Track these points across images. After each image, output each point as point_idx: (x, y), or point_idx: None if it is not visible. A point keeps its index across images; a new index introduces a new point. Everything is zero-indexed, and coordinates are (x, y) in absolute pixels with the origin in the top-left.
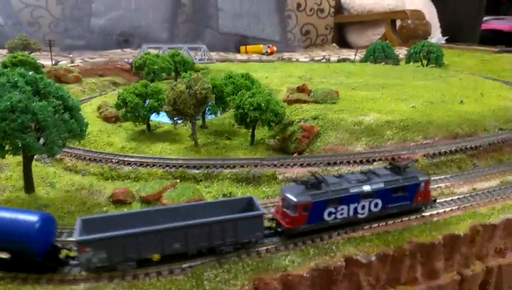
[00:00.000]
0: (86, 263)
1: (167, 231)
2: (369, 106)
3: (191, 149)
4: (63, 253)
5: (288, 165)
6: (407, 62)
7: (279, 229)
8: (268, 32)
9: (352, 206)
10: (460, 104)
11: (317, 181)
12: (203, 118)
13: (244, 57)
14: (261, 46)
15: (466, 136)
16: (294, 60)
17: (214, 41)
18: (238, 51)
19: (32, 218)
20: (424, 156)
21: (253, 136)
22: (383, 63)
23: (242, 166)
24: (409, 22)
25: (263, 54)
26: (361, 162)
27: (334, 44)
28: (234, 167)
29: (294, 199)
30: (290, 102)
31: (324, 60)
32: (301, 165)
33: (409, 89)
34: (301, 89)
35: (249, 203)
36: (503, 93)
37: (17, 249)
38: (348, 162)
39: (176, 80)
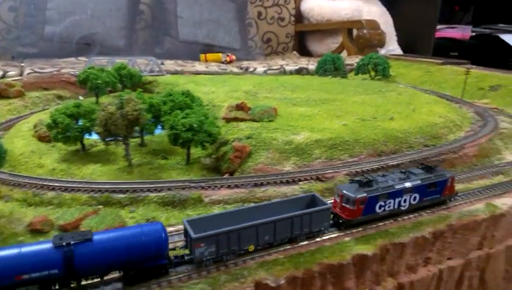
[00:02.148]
0: (199, 257)
1: (262, 225)
2: (304, 124)
3: (123, 170)
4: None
5: (216, 187)
6: (356, 74)
7: (340, 221)
8: (229, 41)
9: (397, 200)
10: (390, 121)
11: (368, 180)
12: (141, 136)
13: (203, 66)
14: (221, 54)
15: (391, 154)
16: (252, 69)
17: (174, 49)
18: (198, 59)
19: (157, 227)
20: (347, 174)
21: (188, 155)
22: (329, 76)
23: (169, 189)
24: (365, 31)
25: (222, 62)
26: (287, 182)
27: (294, 52)
28: (161, 190)
29: (353, 195)
30: (227, 120)
31: (282, 70)
32: (229, 186)
33: (347, 104)
34: (240, 107)
35: (312, 199)
36: (434, 108)
37: (147, 260)
38: (275, 183)
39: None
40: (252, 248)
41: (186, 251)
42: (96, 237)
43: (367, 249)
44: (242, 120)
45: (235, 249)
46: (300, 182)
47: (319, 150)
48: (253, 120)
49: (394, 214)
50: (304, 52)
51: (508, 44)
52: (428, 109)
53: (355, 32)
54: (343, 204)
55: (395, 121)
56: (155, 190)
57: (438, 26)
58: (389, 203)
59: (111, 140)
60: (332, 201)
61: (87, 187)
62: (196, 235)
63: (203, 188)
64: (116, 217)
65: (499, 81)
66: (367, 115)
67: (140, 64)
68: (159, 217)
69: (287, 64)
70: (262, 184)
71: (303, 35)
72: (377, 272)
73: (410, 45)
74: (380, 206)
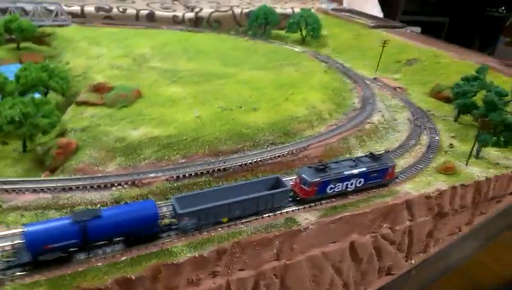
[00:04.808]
0: (183, 227)
1: (234, 203)
2: (158, 113)
3: None
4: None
5: (20, 191)
6: (287, 32)
7: (297, 198)
8: None
9: (345, 183)
10: (251, 113)
11: (323, 166)
12: None
13: (143, 3)
14: None
15: (230, 153)
16: (198, 9)
17: None
18: None
19: (151, 204)
20: (167, 180)
21: (24, 144)
22: (246, 38)
23: None
24: None
25: None
26: (98, 187)
27: None
28: None
29: (309, 179)
30: (78, 103)
31: (230, 12)
32: (34, 191)
33: (229, 84)
34: (96, 88)
35: (276, 181)
36: (312, 95)
37: (143, 229)
38: (84, 188)
39: (18, 48)
40: (225, 219)
41: (174, 221)
42: (104, 213)
43: (134, 272)
44: (92, 104)
45: (212, 221)
46: (113, 188)
47: (151, 149)
48: (105, 105)
49: (342, 194)
50: None
51: None
52: (303, 97)
53: None
54: (301, 185)
55: (257, 112)
56: None
57: None
58: (338, 185)
59: None
60: (293, 181)
61: None
62: (181, 211)
63: (6, 191)
64: None
65: (418, 55)
66: (236, 102)
67: (41, 12)
68: None
69: (237, 6)
70: (70, 189)
71: None
72: (151, 289)
73: None
74: (331, 188)
